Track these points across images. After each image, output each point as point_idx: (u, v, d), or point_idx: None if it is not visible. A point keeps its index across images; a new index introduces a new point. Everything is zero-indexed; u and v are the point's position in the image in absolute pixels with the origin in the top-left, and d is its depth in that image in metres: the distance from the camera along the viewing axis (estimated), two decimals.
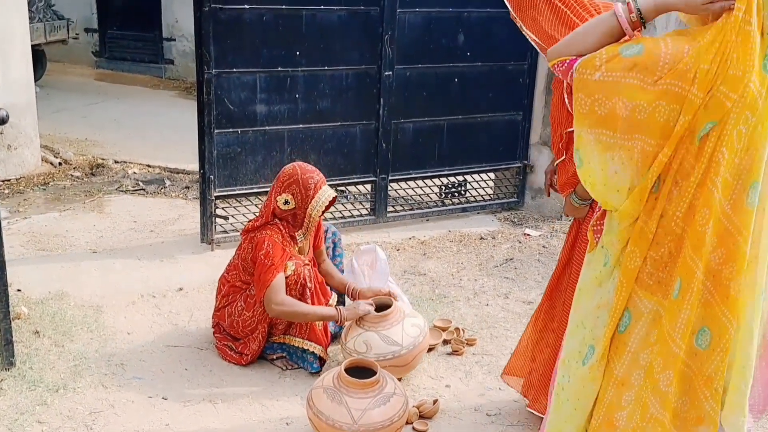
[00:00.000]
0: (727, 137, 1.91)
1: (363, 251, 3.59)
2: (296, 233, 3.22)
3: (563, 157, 2.62)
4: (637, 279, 2.08)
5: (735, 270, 1.97)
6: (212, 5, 4.05)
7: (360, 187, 5.05)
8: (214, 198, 4.37)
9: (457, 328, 3.60)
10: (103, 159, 6.07)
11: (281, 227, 3.18)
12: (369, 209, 4.99)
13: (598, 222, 2.22)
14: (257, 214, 3.38)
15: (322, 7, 4.39)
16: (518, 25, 2.46)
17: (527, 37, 2.45)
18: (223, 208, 4.49)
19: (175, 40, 9.24)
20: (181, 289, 3.96)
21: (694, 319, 2.00)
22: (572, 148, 2.11)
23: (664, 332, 2.03)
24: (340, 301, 3.49)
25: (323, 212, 3.22)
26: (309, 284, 3.15)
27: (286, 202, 3.16)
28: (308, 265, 3.23)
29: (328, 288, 3.37)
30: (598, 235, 2.19)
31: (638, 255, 2.06)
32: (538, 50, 2.49)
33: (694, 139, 1.93)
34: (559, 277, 2.82)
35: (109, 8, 9.46)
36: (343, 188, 5.00)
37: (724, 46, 1.87)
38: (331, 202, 3.26)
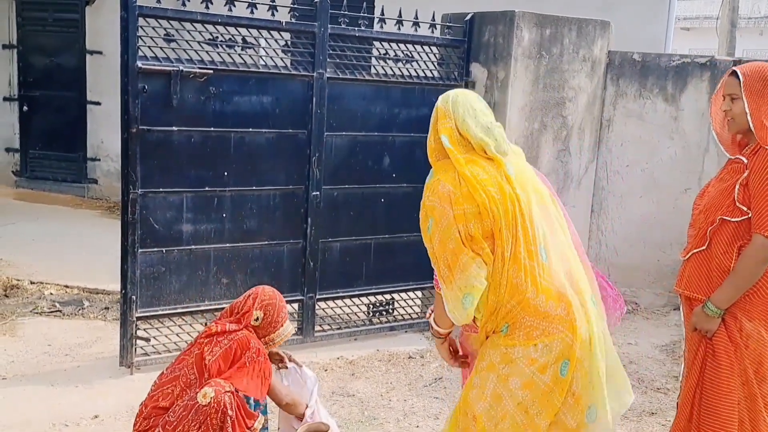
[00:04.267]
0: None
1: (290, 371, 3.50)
2: None
3: (703, 247, 2.84)
4: None
5: None
6: (140, 127, 4.09)
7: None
8: (135, 319, 4.24)
9: None
10: (18, 280, 5.83)
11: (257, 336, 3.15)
12: (296, 329, 4.91)
13: None
14: (219, 320, 3.23)
15: (250, 129, 4.48)
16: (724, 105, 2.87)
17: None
18: (144, 330, 4.35)
19: (99, 160, 9.19)
20: (96, 417, 3.75)
21: None
22: (719, 236, 2.77)
23: None
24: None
25: None
26: (230, 412, 3.00)
27: (257, 319, 3.17)
28: (229, 392, 3.12)
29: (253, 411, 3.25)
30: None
31: None
32: (719, 144, 2.99)
33: None
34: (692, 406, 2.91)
35: (33, 129, 9.40)
36: None
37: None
38: None
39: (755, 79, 2.77)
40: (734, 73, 2.84)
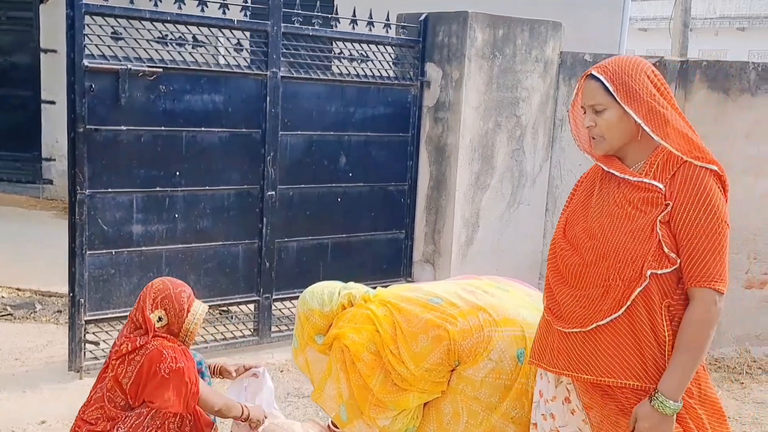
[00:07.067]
0: None
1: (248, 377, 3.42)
2: None
3: (620, 312, 2.06)
4: None
5: None
6: (87, 126, 4.02)
7: (243, 307, 4.95)
8: (84, 322, 4.17)
9: None
10: None
11: (170, 340, 2.92)
12: (252, 330, 4.88)
13: None
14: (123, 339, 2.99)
15: (202, 128, 4.44)
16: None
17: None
18: (94, 333, 4.28)
19: (54, 160, 9.03)
20: (43, 422, 3.68)
21: None
22: (646, 295, 2.03)
23: None
24: None
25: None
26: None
27: (160, 319, 2.94)
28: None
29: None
30: None
31: None
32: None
33: None
34: None
35: None
36: (225, 309, 4.89)
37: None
38: None
39: (623, 75, 2.07)
40: (592, 77, 2.12)
